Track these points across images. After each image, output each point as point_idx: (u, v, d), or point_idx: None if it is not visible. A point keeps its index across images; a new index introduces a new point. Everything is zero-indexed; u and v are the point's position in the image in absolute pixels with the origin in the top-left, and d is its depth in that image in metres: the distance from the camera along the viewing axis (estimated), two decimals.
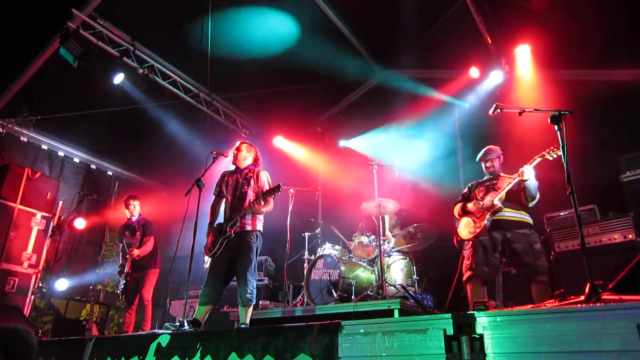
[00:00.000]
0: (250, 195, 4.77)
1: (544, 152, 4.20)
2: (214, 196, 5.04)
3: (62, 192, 8.19)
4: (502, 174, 4.74)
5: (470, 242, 4.61)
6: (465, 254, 4.67)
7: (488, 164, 4.89)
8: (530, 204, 4.54)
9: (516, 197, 4.52)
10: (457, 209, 4.92)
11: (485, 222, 4.47)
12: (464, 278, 4.58)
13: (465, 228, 4.69)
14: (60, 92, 7.51)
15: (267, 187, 4.84)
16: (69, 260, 8.60)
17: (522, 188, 4.44)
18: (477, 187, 4.84)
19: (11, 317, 5.85)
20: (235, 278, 4.66)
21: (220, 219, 4.91)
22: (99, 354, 3.75)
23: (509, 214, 4.53)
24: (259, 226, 4.78)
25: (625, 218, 5.14)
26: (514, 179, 4.41)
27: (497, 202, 4.45)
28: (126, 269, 6.30)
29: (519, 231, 4.46)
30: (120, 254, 6.57)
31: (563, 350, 1.99)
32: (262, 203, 4.64)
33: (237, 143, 5.10)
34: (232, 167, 5.07)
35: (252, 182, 4.85)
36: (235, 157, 4.98)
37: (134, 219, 6.67)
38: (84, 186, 9.17)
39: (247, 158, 5.02)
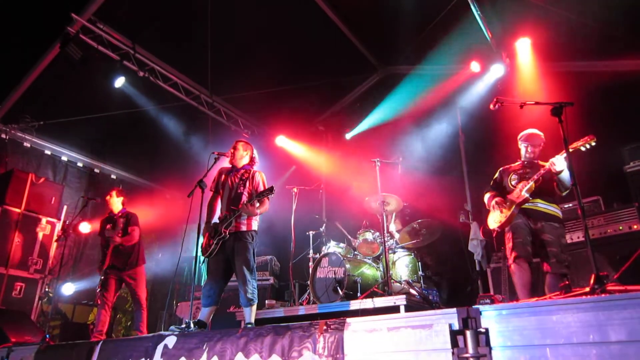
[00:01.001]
0: (245, 196, 4.76)
1: (578, 143, 4.02)
2: (210, 192, 5.01)
3: (66, 196, 8.23)
4: (540, 162, 4.57)
5: (509, 226, 4.44)
6: (505, 239, 4.49)
7: (530, 149, 4.66)
8: (564, 194, 4.45)
9: (548, 188, 4.43)
10: (487, 199, 4.75)
11: (512, 211, 4.38)
12: (509, 261, 4.38)
13: (492, 217, 4.60)
14: (62, 96, 7.54)
15: (261, 188, 4.83)
16: (74, 265, 8.63)
17: (555, 179, 4.35)
18: (510, 174, 4.68)
19: (19, 322, 5.88)
20: (234, 277, 4.68)
21: (217, 216, 4.93)
22: (107, 357, 3.76)
23: (541, 205, 4.41)
24: (255, 226, 4.76)
25: (630, 209, 5.11)
26: (544, 169, 4.28)
27: (525, 193, 4.34)
28: (105, 263, 5.93)
29: (549, 223, 4.34)
30: (101, 249, 6.24)
31: (569, 342, 1.99)
32: (256, 204, 4.63)
33: (237, 144, 5.07)
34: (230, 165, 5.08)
35: (247, 183, 4.84)
36: (232, 156, 4.97)
37: (115, 211, 6.34)
38: (88, 190, 9.20)
39: (243, 157, 4.99)
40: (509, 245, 4.41)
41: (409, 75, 8.49)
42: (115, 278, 6.02)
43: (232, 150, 5.00)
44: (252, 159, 5.07)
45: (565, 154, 3.96)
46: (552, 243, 4.24)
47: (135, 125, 8.30)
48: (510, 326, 2.14)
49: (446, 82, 7.78)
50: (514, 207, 4.38)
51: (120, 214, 6.31)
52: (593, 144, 4.00)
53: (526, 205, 4.40)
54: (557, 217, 4.42)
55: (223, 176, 4.99)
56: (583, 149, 4.02)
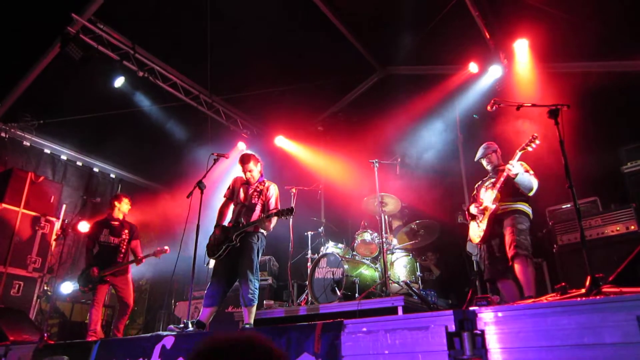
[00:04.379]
0: (259, 206, 4.86)
1: (524, 145, 4.31)
2: (224, 198, 5.12)
3: (65, 195, 8.23)
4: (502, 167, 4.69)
5: (484, 244, 4.65)
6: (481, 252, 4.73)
7: (485, 162, 4.90)
8: (530, 194, 4.51)
9: (514, 188, 4.51)
10: (467, 213, 4.98)
11: (486, 224, 4.52)
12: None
13: (474, 232, 4.74)
14: (62, 96, 7.54)
15: (273, 201, 4.95)
16: (73, 264, 8.63)
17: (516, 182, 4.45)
18: (481, 188, 4.85)
19: (17, 321, 5.88)
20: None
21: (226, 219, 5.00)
22: (104, 356, 3.77)
23: (505, 206, 4.52)
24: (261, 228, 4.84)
25: (627, 209, 5.12)
26: (503, 175, 4.44)
27: (490, 205, 4.50)
28: (108, 271, 5.96)
29: (511, 216, 4.47)
30: (89, 252, 6.24)
31: (564, 343, 2.00)
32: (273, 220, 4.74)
33: (247, 163, 5.02)
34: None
35: (261, 194, 4.94)
36: (251, 176, 5.01)
37: (116, 216, 6.34)
38: (87, 189, 9.20)
39: (256, 174, 5.09)
40: (483, 265, 4.67)
41: (408, 76, 8.52)
42: (108, 282, 6.07)
43: (247, 174, 5.00)
44: (260, 171, 5.17)
45: (516, 158, 4.36)
46: (506, 231, 4.40)
47: (134, 125, 8.31)
48: (506, 328, 2.16)
49: (444, 83, 7.80)
50: (486, 220, 4.51)
51: (121, 223, 6.33)
52: (538, 142, 4.29)
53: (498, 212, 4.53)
54: (518, 210, 4.49)
55: (239, 186, 5.05)
56: (530, 149, 4.30)
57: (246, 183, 5.05)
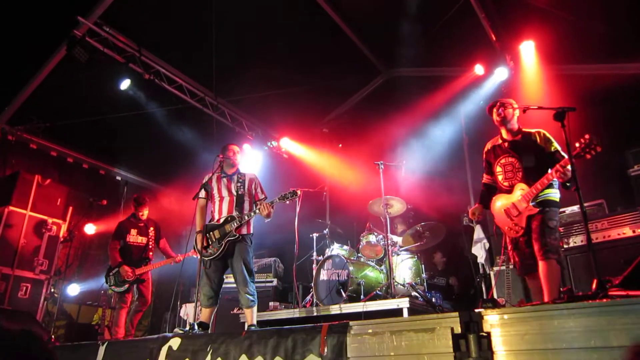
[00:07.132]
0: (247, 198, 4.84)
1: (580, 151, 3.46)
2: (199, 199, 4.95)
3: (71, 198, 8.26)
4: (521, 131, 4.22)
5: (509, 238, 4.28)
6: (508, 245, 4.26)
7: (497, 114, 4.26)
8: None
9: (544, 169, 3.95)
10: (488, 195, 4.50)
11: (524, 224, 4.08)
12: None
13: (504, 222, 4.23)
14: (68, 98, 7.57)
15: (260, 189, 5.00)
16: (80, 266, 8.68)
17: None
18: (495, 162, 4.33)
19: (24, 323, 5.92)
20: (228, 278, 4.73)
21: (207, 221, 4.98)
22: (111, 358, 3.79)
23: (541, 197, 4.04)
24: (251, 229, 4.84)
25: (634, 212, 5.08)
26: (546, 177, 3.84)
27: (534, 205, 3.96)
28: (142, 270, 6.24)
29: (539, 211, 4.01)
30: (119, 253, 6.30)
31: (570, 346, 2.00)
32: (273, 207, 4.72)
33: (235, 148, 5.12)
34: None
35: (245, 185, 4.91)
36: (235, 159, 5.03)
37: (143, 217, 6.63)
38: (94, 191, 9.23)
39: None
40: (513, 260, 4.19)
41: (413, 78, 8.52)
42: (144, 280, 6.37)
43: (236, 157, 5.03)
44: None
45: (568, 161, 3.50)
46: (535, 229, 3.92)
47: (140, 127, 8.33)
48: (512, 331, 2.15)
49: (450, 85, 7.79)
50: (525, 219, 3.98)
51: (145, 223, 6.63)
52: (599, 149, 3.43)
53: None
54: (551, 202, 4.01)
55: (215, 182, 4.98)
56: (589, 156, 3.44)
57: (224, 176, 4.99)
